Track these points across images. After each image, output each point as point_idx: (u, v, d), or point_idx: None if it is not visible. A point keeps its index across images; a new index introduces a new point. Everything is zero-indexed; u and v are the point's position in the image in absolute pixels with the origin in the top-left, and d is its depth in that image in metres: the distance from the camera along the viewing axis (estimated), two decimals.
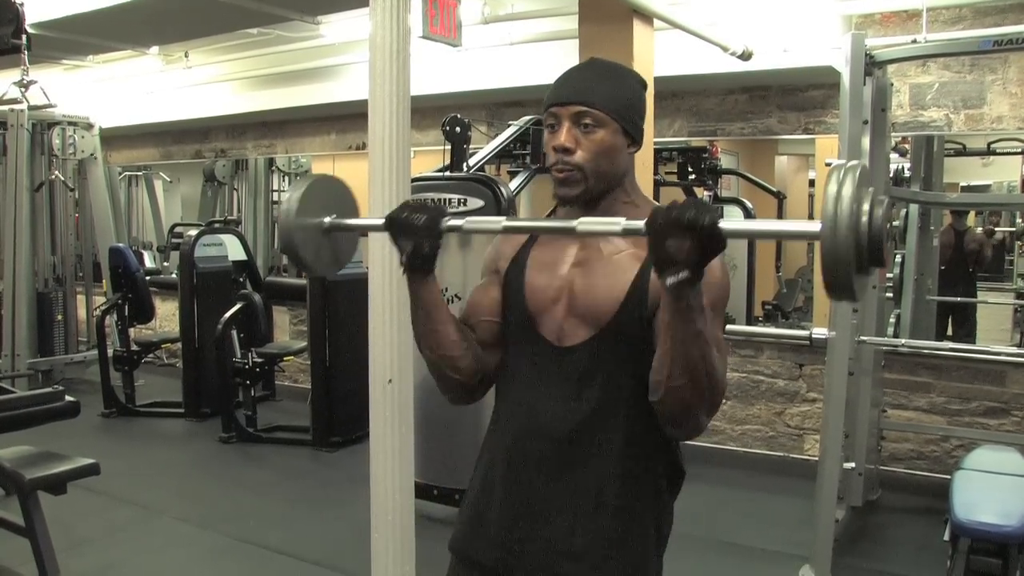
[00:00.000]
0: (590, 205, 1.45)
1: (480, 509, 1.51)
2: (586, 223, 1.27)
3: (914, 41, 3.70)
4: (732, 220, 1.17)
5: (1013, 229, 6.81)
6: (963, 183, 6.70)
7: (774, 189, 6.95)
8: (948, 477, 3.27)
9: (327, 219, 1.50)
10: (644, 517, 1.43)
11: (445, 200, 3.89)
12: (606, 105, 1.41)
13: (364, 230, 1.63)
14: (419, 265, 1.39)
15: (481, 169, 4.28)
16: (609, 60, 1.52)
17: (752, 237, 1.04)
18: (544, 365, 1.45)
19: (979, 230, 6.45)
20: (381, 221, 1.41)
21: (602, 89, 1.42)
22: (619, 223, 1.22)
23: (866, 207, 1.04)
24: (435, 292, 1.45)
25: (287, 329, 6.99)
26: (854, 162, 1.09)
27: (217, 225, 6.58)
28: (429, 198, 3.91)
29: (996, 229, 6.86)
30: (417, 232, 1.36)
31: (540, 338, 1.45)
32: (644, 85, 1.50)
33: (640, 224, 1.16)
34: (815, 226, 1.06)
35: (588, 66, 1.50)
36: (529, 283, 1.48)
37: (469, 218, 1.40)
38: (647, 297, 1.38)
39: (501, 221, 1.35)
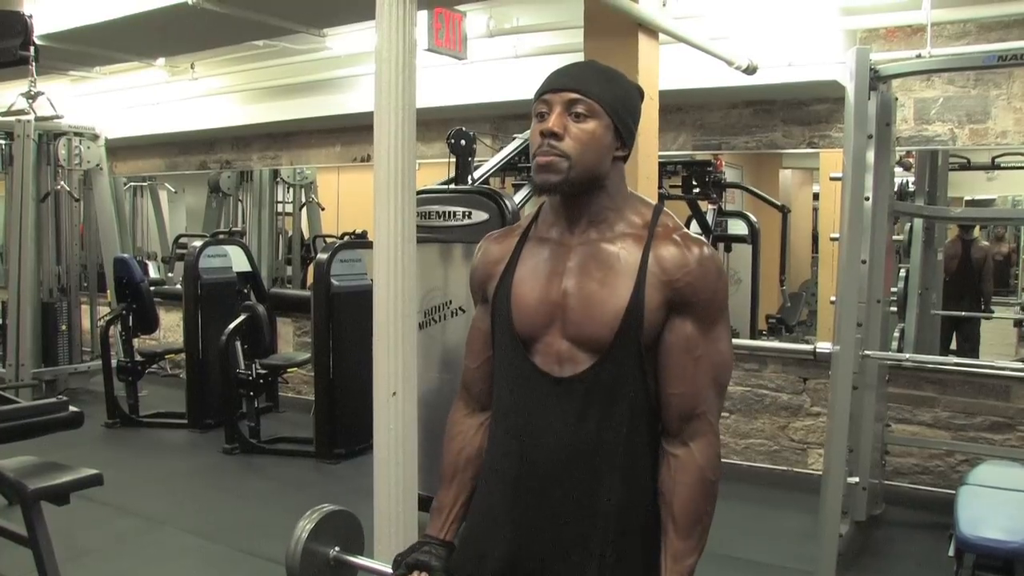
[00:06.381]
0: (570, 199, 1.41)
1: (484, 547, 1.47)
2: None
3: (919, 56, 3.72)
4: None
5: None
6: (967, 197, 6.70)
7: (778, 203, 6.96)
8: (953, 492, 3.26)
9: (333, 552, 1.54)
10: (650, 540, 1.40)
11: (449, 212, 3.90)
12: (600, 97, 1.38)
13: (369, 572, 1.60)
14: None
15: (486, 182, 4.28)
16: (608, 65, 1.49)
17: None
18: (540, 395, 1.40)
19: (984, 243, 6.44)
20: (388, 570, 1.47)
21: (598, 82, 1.40)
22: None
23: None
24: (446, 526, 1.55)
25: (291, 341, 6.99)
26: None
27: (222, 236, 6.57)
28: (434, 210, 3.92)
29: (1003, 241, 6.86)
30: None
31: (535, 368, 1.40)
32: (641, 93, 1.48)
33: None
34: None
35: (585, 63, 1.49)
36: (517, 305, 1.42)
37: None
38: (643, 316, 1.35)
39: None
